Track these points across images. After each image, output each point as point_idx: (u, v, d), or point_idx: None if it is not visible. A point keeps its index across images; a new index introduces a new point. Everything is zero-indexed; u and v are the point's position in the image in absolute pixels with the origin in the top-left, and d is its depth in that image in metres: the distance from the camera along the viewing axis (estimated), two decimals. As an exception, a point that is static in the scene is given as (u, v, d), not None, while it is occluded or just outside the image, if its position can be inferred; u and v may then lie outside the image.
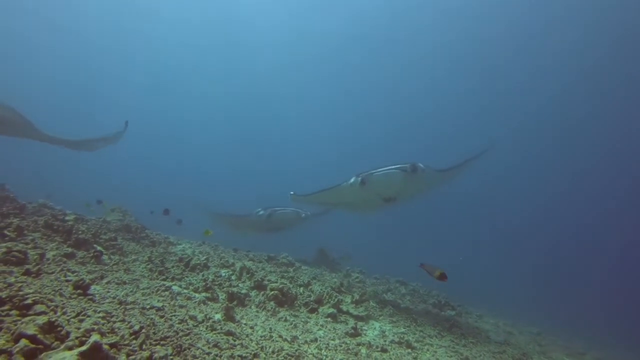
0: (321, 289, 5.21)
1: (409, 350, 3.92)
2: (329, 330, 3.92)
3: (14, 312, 2.25)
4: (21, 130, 8.39)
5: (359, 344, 3.63)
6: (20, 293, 2.43)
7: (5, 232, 4.09)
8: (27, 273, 3.08)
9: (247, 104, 45.53)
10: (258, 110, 46.16)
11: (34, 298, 2.41)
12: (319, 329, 3.87)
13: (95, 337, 1.98)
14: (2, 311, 2.22)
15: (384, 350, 3.63)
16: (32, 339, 1.97)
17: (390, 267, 13.54)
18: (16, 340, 1.93)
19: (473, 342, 5.08)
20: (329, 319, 4.35)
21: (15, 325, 2.08)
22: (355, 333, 3.95)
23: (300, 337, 3.38)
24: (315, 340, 3.42)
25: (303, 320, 4.09)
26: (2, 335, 1.99)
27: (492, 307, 11.72)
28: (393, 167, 5.39)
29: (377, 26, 32.87)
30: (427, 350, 4.08)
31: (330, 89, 41.83)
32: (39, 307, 2.35)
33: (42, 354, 1.92)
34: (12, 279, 2.81)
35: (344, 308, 4.93)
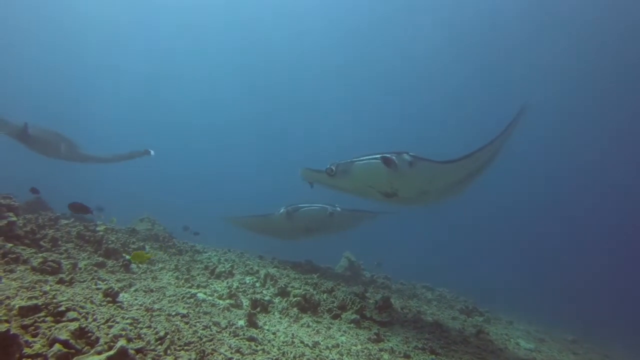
0: (344, 295, 5.22)
1: (433, 356, 3.87)
2: (352, 336, 3.92)
3: (49, 318, 2.38)
4: (65, 152, 9.24)
5: (381, 350, 3.61)
6: (55, 301, 2.57)
7: (41, 242, 4.32)
8: (61, 282, 3.25)
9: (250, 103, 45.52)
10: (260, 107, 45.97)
11: (67, 305, 2.54)
12: (342, 335, 3.88)
13: (121, 343, 2.07)
14: (39, 317, 2.35)
15: (406, 357, 3.60)
16: (65, 343, 2.08)
17: (417, 272, 13.39)
18: (51, 345, 2.06)
19: (501, 349, 4.96)
20: (352, 325, 4.35)
21: (50, 331, 2.20)
22: (377, 339, 3.94)
23: (322, 343, 3.40)
24: (337, 345, 3.43)
25: (326, 326, 4.12)
26: (39, 340, 2.11)
27: (524, 314, 11.37)
28: (368, 157, 4.69)
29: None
30: (452, 356, 4.01)
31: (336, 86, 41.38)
32: (71, 314, 2.48)
33: (74, 358, 2.03)
34: (48, 287, 2.97)
35: (368, 314, 4.91)
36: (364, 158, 4.70)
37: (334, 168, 4.87)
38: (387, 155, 4.48)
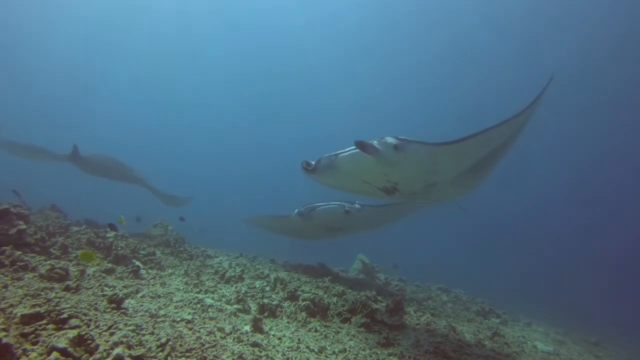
0: (355, 298, 5.13)
1: (445, 360, 3.77)
2: (360, 340, 3.84)
3: (50, 326, 2.38)
4: (121, 175, 10.30)
5: (390, 354, 3.53)
6: (58, 308, 2.57)
7: (51, 250, 4.37)
8: (67, 289, 3.27)
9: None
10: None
11: (69, 312, 2.54)
12: (350, 339, 3.80)
13: (118, 350, 2.05)
14: (40, 325, 2.35)
15: (417, 361, 3.50)
16: (63, 352, 2.07)
17: (433, 273, 13.17)
18: (49, 353, 2.05)
19: (517, 352, 4.80)
20: (361, 329, 4.26)
21: (50, 338, 2.20)
22: (387, 343, 3.85)
23: (328, 348, 3.34)
24: (344, 350, 3.36)
25: (334, 330, 4.04)
26: (37, 349, 2.10)
27: (545, 315, 11.07)
28: (350, 148, 4.06)
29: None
30: (465, 360, 3.90)
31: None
32: (73, 321, 2.47)
33: (71, 367, 2.02)
34: (52, 295, 2.98)
35: (379, 317, 4.81)
36: (348, 149, 4.13)
37: (313, 163, 4.30)
38: (363, 141, 3.83)
